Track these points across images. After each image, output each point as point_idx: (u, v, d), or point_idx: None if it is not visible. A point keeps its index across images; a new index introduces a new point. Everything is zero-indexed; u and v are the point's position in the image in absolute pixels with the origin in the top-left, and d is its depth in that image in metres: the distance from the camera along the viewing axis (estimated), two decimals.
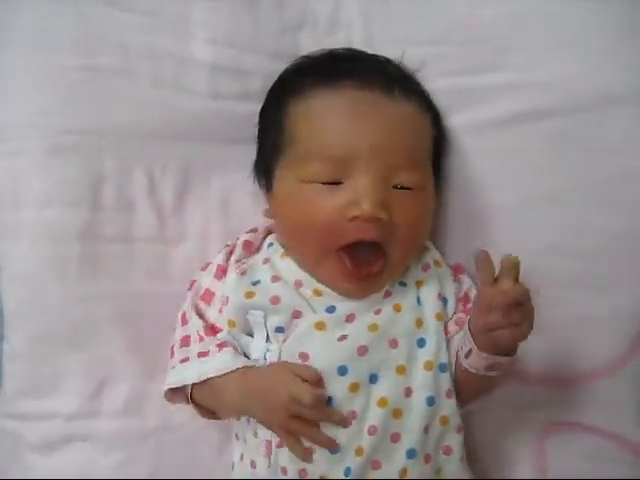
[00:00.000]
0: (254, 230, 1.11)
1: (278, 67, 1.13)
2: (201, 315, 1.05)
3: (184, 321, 1.06)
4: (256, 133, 1.12)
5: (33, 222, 1.07)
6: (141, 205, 1.11)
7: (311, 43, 1.16)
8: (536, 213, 1.10)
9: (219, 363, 0.99)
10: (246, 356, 1.02)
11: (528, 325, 0.92)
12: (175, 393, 1.04)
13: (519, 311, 0.90)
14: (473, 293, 1.09)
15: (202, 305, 1.06)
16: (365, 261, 0.98)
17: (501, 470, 1.15)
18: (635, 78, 1.06)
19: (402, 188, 0.99)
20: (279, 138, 1.03)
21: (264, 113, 1.10)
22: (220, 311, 1.04)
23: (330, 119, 1.00)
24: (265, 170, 1.06)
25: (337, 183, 0.98)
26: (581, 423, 1.10)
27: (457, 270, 1.10)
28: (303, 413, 0.94)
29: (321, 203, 0.97)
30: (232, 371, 0.98)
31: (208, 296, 1.06)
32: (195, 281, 1.08)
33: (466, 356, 0.97)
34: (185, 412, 1.09)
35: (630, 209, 1.06)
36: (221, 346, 1.00)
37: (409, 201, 1.00)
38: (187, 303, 1.07)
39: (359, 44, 1.15)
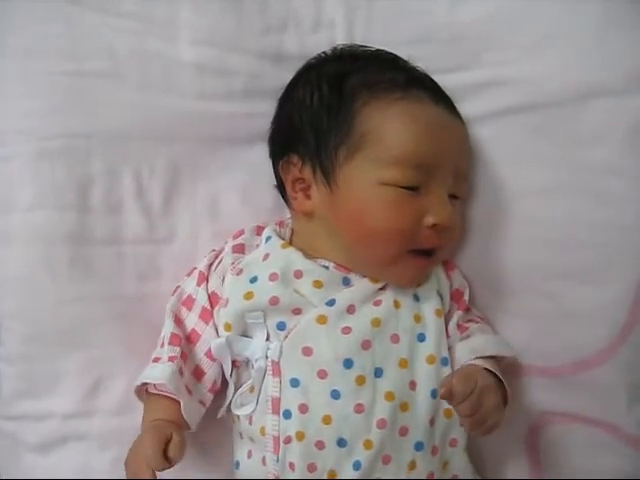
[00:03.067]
0: (240, 233, 1.11)
1: (262, 66, 1.16)
2: (180, 321, 1.07)
3: (179, 323, 1.08)
4: (284, 123, 1.11)
5: (24, 225, 1.08)
6: (130, 207, 1.12)
7: (295, 43, 1.17)
8: (521, 206, 1.12)
9: (158, 373, 1.01)
10: (241, 359, 1.04)
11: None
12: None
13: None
14: (464, 289, 1.12)
15: (183, 310, 1.07)
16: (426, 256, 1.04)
17: (494, 462, 1.16)
18: (611, 72, 1.07)
19: (452, 197, 1.04)
20: (348, 136, 1.02)
21: (313, 105, 1.06)
22: (200, 317, 1.06)
23: (421, 128, 1.01)
24: (322, 166, 1.03)
25: (414, 188, 1.00)
26: (574, 413, 1.11)
27: (448, 267, 1.12)
28: None
29: (404, 208, 1.00)
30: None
31: (189, 302, 1.07)
32: (179, 287, 1.10)
33: None
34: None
35: (614, 200, 1.08)
36: (171, 359, 1.02)
37: (457, 210, 1.05)
38: (172, 309, 1.08)
39: (341, 43, 1.15)
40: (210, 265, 1.09)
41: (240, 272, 1.04)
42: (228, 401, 1.06)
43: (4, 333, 1.09)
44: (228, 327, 1.03)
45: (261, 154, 1.15)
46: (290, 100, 1.10)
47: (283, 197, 1.13)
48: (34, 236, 1.08)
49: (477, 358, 1.05)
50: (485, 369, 1.02)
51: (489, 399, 0.95)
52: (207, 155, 1.15)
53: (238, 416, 1.06)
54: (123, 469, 1.08)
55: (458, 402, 0.93)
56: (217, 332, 1.05)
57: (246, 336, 1.04)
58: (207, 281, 1.07)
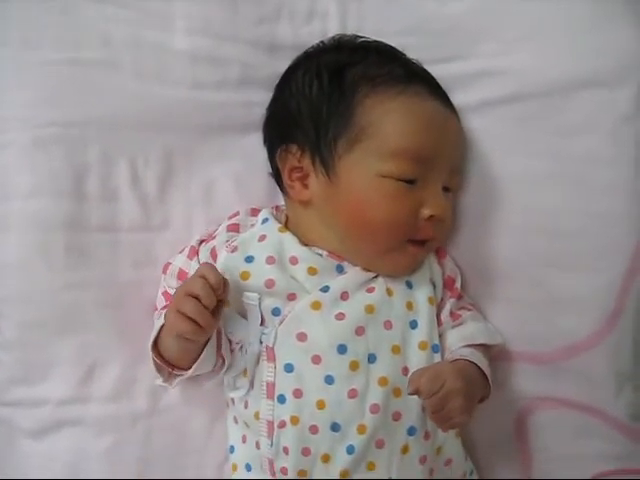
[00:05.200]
0: (235, 214, 1.12)
1: (256, 56, 1.17)
2: None
3: (167, 298, 1.09)
4: (282, 111, 1.11)
5: (20, 212, 1.08)
6: (125, 195, 1.12)
7: (289, 33, 1.18)
8: (512, 195, 1.13)
9: None
10: (235, 341, 1.05)
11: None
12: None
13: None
14: (456, 276, 1.14)
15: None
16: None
17: (485, 448, 1.18)
18: (598, 63, 1.08)
19: (446, 189, 1.06)
20: (348, 128, 1.03)
21: (313, 95, 1.07)
22: None
23: (421, 123, 1.03)
24: (322, 156, 1.04)
25: (411, 181, 1.02)
26: (562, 399, 1.13)
27: (440, 255, 1.14)
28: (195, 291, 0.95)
29: (402, 200, 1.02)
30: None
31: (183, 275, 1.08)
32: (170, 264, 1.10)
33: None
34: (174, 395, 1.13)
35: (601, 189, 1.09)
36: None
37: (449, 202, 1.07)
38: (163, 284, 1.10)
39: (335, 33, 1.16)
40: (202, 241, 1.10)
41: (234, 250, 1.06)
42: (220, 376, 1.07)
43: (0, 319, 1.09)
44: (226, 303, 1.04)
45: (255, 142, 1.16)
46: (288, 88, 1.11)
47: (278, 185, 1.14)
48: (30, 223, 1.08)
49: (467, 346, 1.07)
50: (470, 362, 1.04)
51: (455, 401, 0.96)
52: (201, 143, 1.16)
53: (233, 400, 1.07)
54: (119, 456, 1.11)
55: (425, 398, 0.96)
56: None
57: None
58: (197, 255, 1.08)
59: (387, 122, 1.02)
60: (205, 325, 0.95)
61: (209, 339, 1.01)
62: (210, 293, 0.95)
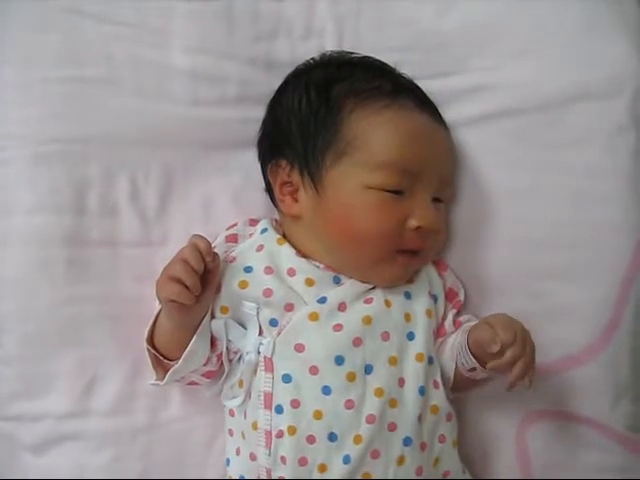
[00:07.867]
0: (234, 225, 1.13)
1: (254, 73, 1.18)
2: None
3: None
4: (272, 127, 1.13)
5: (21, 228, 1.09)
6: (125, 210, 1.13)
7: (286, 50, 1.19)
8: (507, 207, 1.15)
9: None
10: (233, 350, 1.06)
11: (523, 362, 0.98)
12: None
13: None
14: (459, 290, 1.14)
15: None
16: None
17: (485, 460, 1.18)
18: (593, 76, 1.10)
19: (436, 200, 1.07)
20: (335, 142, 1.05)
21: (301, 111, 1.08)
22: None
23: (406, 135, 1.04)
24: (310, 170, 1.06)
25: (398, 192, 1.03)
26: (561, 411, 1.13)
27: (440, 267, 1.14)
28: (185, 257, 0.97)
29: (388, 211, 1.03)
30: None
31: None
32: None
33: (469, 370, 1.04)
34: (174, 410, 1.13)
35: (597, 200, 1.10)
36: None
37: (441, 213, 1.08)
38: None
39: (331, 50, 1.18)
40: None
41: (233, 260, 1.07)
42: (219, 384, 1.08)
43: (1, 334, 1.10)
44: (225, 310, 1.06)
45: (253, 158, 1.17)
46: (279, 105, 1.13)
47: (272, 200, 1.15)
48: (32, 238, 1.09)
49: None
50: None
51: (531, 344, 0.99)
52: (200, 159, 1.17)
53: (231, 411, 1.08)
54: (119, 470, 1.11)
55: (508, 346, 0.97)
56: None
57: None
58: None
59: (373, 135, 1.04)
60: (191, 286, 0.96)
61: (199, 326, 1.03)
62: (198, 257, 0.97)
